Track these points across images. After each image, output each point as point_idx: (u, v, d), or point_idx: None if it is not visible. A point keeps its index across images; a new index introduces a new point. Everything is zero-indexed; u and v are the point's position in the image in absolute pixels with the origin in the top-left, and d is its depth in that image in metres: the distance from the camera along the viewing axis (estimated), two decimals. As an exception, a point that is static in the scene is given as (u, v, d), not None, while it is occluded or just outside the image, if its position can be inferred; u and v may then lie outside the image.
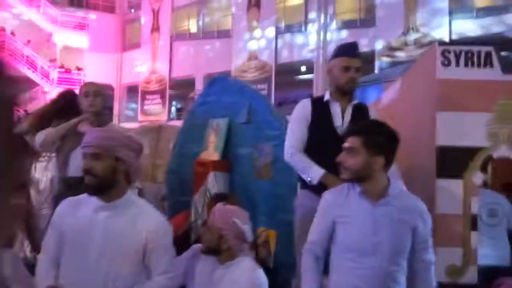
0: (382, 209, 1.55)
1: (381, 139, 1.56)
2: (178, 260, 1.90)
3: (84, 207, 1.58)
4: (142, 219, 1.57)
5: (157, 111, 16.66)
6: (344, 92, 2.17)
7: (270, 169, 3.08)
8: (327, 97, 2.21)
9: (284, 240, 2.94)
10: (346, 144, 1.60)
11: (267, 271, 2.92)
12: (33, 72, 15.62)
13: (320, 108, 2.19)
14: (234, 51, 13.66)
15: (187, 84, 15.13)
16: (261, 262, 2.87)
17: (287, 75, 12.86)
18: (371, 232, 1.54)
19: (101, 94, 2.68)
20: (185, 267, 1.87)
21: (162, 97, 16.69)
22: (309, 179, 2.12)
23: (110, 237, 1.53)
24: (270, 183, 3.06)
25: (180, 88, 15.98)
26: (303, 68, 13.35)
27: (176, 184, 4.03)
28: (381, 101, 3.62)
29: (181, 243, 1.98)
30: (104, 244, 1.52)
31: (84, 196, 1.60)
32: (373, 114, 2.26)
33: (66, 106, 2.75)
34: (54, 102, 3.03)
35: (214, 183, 3.29)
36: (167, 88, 16.62)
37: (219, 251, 1.79)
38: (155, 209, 1.74)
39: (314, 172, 2.10)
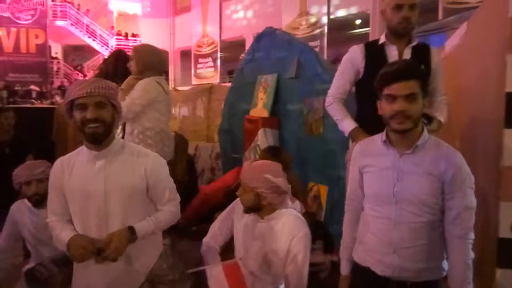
0: (408, 158, 1.43)
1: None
2: (223, 215, 1.95)
3: (77, 163, 1.63)
4: (137, 159, 1.63)
5: (210, 74, 16.86)
6: (399, 34, 2.00)
7: (321, 125, 3.01)
8: (382, 39, 2.06)
9: (335, 196, 2.91)
10: (404, 90, 1.41)
11: (319, 225, 2.94)
12: (93, 40, 16.40)
13: (374, 52, 2.05)
14: (284, 8, 13.18)
15: (238, 45, 15.01)
16: (312, 216, 2.88)
17: (340, 30, 12.22)
18: (394, 181, 1.44)
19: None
20: (229, 221, 1.91)
21: (214, 60, 16.79)
22: (340, 129, 2.08)
23: (112, 182, 1.58)
24: (321, 139, 3.00)
25: (231, 50, 15.92)
26: (358, 22, 12.58)
27: (228, 142, 4.12)
28: (444, 49, 3.32)
29: (234, 196, 2.01)
30: (108, 191, 1.57)
31: (71, 154, 1.68)
32: (437, 59, 2.07)
33: (119, 65, 2.86)
34: (107, 62, 3.15)
35: (263, 139, 3.30)
36: (218, 50, 16.64)
37: (260, 208, 1.81)
38: (144, 148, 1.80)
39: (345, 125, 2.05)
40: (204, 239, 1.92)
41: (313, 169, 3.05)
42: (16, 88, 13.11)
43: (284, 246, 1.77)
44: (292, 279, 1.76)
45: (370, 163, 1.52)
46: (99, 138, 1.56)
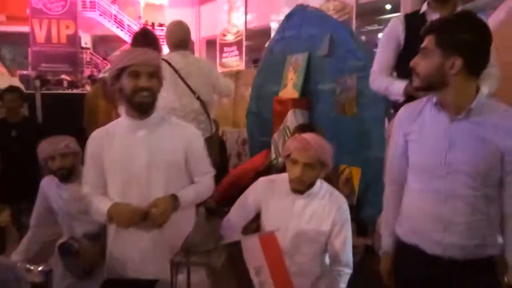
0: (461, 124, 1.29)
1: (459, 35, 1.24)
2: (245, 197, 1.88)
3: (117, 133, 1.62)
4: (177, 131, 1.66)
5: (235, 63, 16.78)
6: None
7: (354, 104, 2.89)
8: (424, 8, 1.93)
9: (369, 178, 2.80)
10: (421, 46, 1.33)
11: (351, 208, 2.85)
12: (121, 30, 16.64)
13: (415, 22, 1.91)
14: (311, -7, 12.89)
15: (263, 34, 14.85)
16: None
17: (369, 16, 11.84)
18: (444, 150, 1.30)
19: None
20: (255, 200, 1.84)
21: (239, 48, 16.70)
22: (393, 97, 1.94)
23: (154, 152, 1.58)
24: (354, 119, 2.88)
25: (256, 38, 15.78)
26: (388, 7, 12.15)
27: (256, 125, 4.05)
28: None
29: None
30: (150, 160, 1.58)
31: (109, 125, 1.67)
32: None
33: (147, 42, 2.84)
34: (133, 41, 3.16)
35: (293, 121, 3.21)
36: (244, 39, 16.53)
37: (313, 184, 1.75)
38: (181, 120, 1.81)
39: (397, 86, 1.92)
40: (224, 220, 1.87)
41: (345, 151, 2.93)
42: (48, 78, 13.54)
43: (328, 220, 1.71)
44: (341, 252, 1.71)
45: (417, 129, 1.38)
46: (147, 108, 1.57)
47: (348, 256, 1.76)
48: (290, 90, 3.40)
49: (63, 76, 14.94)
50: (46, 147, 2.14)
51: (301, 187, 1.71)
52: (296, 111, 3.21)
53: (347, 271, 1.76)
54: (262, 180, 1.88)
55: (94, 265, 2.00)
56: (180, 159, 1.63)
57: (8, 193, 3.10)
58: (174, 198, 1.56)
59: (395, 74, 2.11)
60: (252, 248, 1.31)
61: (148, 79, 1.52)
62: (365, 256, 2.54)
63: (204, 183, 1.71)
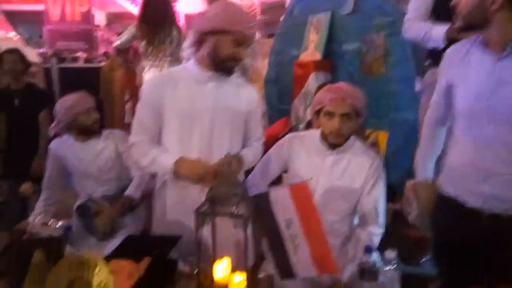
0: (506, 62, 1.17)
1: None
2: (273, 151, 1.78)
3: (183, 80, 1.52)
4: (242, 89, 1.62)
5: (250, 39, 16.52)
6: None
7: (382, 63, 2.72)
8: None
9: (397, 141, 2.65)
10: None
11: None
12: (135, 6, 16.46)
13: None
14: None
15: (279, 7, 14.44)
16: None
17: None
18: (489, 92, 1.19)
19: None
20: (282, 156, 1.74)
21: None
22: (433, 44, 1.78)
23: (219, 107, 1.52)
24: (382, 79, 2.71)
25: (271, 12, 15.40)
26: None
27: (275, 93, 3.91)
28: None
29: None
30: (214, 116, 1.51)
31: (172, 70, 1.59)
32: None
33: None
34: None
35: (315, 84, 3.05)
36: (259, 13, 16.14)
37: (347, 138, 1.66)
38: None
39: (437, 32, 1.77)
40: (249, 177, 1.77)
41: (372, 114, 2.76)
42: (64, 56, 13.58)
43: (360, 177, 1.60)
44: (372, 211, 1.62)
45: (462, 72, 1.26)
46: (232, 67, 1.52)
47: (379, 215, 1.65)
48: (311, 52, 3.23)
49: (78, 54, 15.00)
50: (81, 101, 2.04)
51: (339, 140, 1.61)
52: (318, 74, 3.06)
53: (378, 232, 1.65)
54: (289, 136, 1.78)
55: (114, 227, 1.95)
56: (242, 119, 1.59)
57: (12, 168, 2.97)
58: (240, 158, 1.53)
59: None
60: (281, 200, 1.20)
61: (245, 49, 1.47)
62: (394, 221, 2.43)
63: (258, 149, 1.67)
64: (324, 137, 1.64)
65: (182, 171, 1.46)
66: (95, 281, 1.07)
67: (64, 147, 2.11)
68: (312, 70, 3.08)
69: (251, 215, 1.17)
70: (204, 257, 1.37)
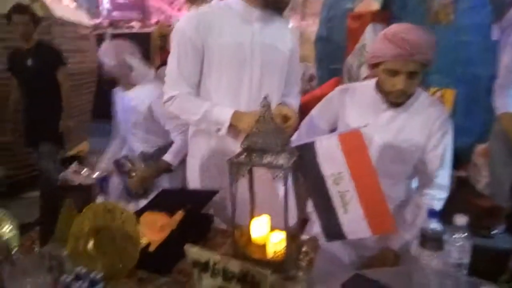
0: None
1: None
2: (320, 106, 1.59)
3: (225, 20, 1.34)
4: (285, 29, 1.47)
5: None
6: None
7: (451, 10, 2.36)
8: None
9: (466, 101, 2.34)
10: None
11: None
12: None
13: None
14: None
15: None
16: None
17: None
18: None
19: None
20: (331, 112, 1.53)
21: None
22: None
23: (268, 48, 1.37)
24: (450, 28, 2.37)
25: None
26: None
27: (326, 51, 3.63)
28: None
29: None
30: (265, 58, 1.37)
31: (214, 7, 1.37)
32: None
33: None
34: None
35: (372, 37, 2.75)
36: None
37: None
38: None
39: None
40: (295, 136, 1.59)
41: (437, 70, 2.45)
42: (120, 26, 13.97)
43: (422, 133, 1.38)
44: (435, 171, 1.41)
45: None
46: (286, 5, 1.38)
47: (444, 176, 1.43)
48: (367, 2, 2.91)
49: (133, 23, 15.33)
50: (127, 44, 1.98)
51: (403, 100, 1.38)
52: (376, 26, 2.75)
53: (442, 195, 1.43)
54: (340, 88, 1.56)
55: (147, 188, 1.90)
56: (287, 63, 1.44)
57: (27, 135, 2.95)
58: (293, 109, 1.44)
59: None
60: (330, 151, 1.03)
61: None
62: (458, 188, 2.16)
63: (297, 98, 1.57)
64: (381, 89, 1.41)
65: (242, 125, 1.29)
66: (121, 230, 0.99)
67: (117, 93, 2.08)
68: (369, 21, 2.78)
69: (293, 167, 1.01)
70: (241, 213, 1.25)
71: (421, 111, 1.41)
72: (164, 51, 3.90)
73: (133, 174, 1.89)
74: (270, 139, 1.03)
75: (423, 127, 1.39)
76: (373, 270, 1.19)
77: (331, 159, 1.03)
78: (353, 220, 1.05)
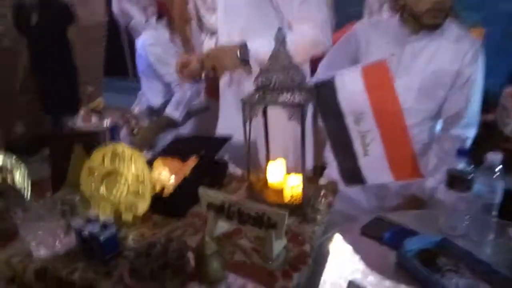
0: None
1: None
2: (341, 41, 1.47)
3: None
4: None
5: None
6: None
7: None
8: None
9: (494, 41, 2.16)
10: None
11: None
12: None
13: None
14: None
15: None
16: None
17: None
18: None
19: None
20: (353, 46, 1.42)
21: None
22: None
23: None
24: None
25: None
26: None
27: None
28: None
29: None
30: None
31: None
32: None
33: None
34: None
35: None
36: None
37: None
38: None
39: None
40: (319, 69, 1.49)
41: (466, 6, 2.25)
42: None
43: (451, 69, 1.27)
44: (463, 110, 1.32)
45: None
46: None
47: (472, 115, 1.33)
48: None
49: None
50: None
51: (438, 20, 1.26)
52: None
53: (469, 134, 1.35)
54: (360, 22, 1.45)
55: (153, 144, 1.87)
56: None
57: (48, 98, 2.74)
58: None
59: None
60: (351, 86, 0.94)
61: None
62: (485, 133, 2.06)
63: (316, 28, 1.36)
64: (410, 14, 1.28)
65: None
66: (131, 173, 0.95)
67: None
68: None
69: (311, 106, 0.94)
70: (256, 157, 1.20)
71: (451, 42, 1.29)
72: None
73: (135, 131, 1.85)
74: (286, 76, 0.95)
75: (453, 60, 1.28)
76: (395, 213, 1.15)
77: (352, 95, 0.95)
78: (374, 163, 0.98)
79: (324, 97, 0.98)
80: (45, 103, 2.80)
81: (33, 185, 1.20)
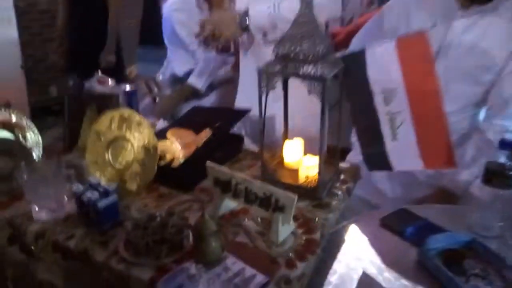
0: None
1: None
2: (375, 19, 1.33)
3: None
4: None
5: None
6: None
7: None
8: None
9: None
10: None
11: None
12: None
13: None
14: None
15: None
16: None
17: None
18: None
19: None
20: (388, 24, 1.28)
21: None
22: None
23: None
24: None
25: None
26: None
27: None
28: None
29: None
30: None
31: None
32: None
33: None
34: None
35: None
36: None
37: None
38: None
39: None
40: (350, 46, 1.36)
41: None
42: None
43: (502, 50, 1.12)
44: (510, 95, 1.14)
45: None
46: None
47: None
48: None
49: None
50: None
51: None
52: None
53: None
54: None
55: (173, 113, 1.82)
56: None
57: (78, 59, 2.67)
58: None
59: None
60: (383, 60, 0.83)
61: None
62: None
63: None
64: None
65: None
66: (137, 141, 0.91)
67: None
68: None
69: (335, 80, 0.84)
70: (273, 134, 1.13)
71: (505, 21, 1.13)
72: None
73: (157, 99, 1.81)
74: (309, 45, 0.86)
75: (506, 41, 1.12)
76: (421, 206, 1.04)
77: (383, 70, 0.83)
78: (403, 148, 0.88)
79: (352, 71, 0.88)
80: (71, 65, 2.79)
81: (48, 147, 1.19)
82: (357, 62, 0.87)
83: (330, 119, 0.89)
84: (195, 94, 1.83)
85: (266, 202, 0.79)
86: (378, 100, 0.87)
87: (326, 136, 0.87)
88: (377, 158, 0.92)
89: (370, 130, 0.89)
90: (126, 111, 0.93)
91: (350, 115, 0.93)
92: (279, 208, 0.77)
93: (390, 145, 0.89)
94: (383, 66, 0.83)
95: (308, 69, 0.85)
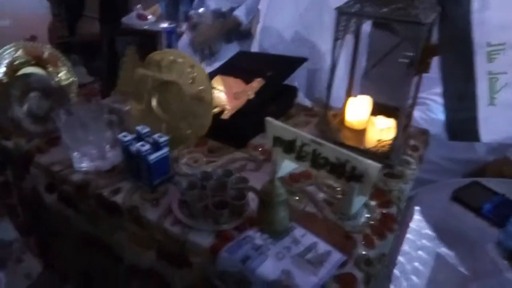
0: None
1: None
2: None
3: None
4: None
5: None
6: None
7: None
8: None
9: None
10: None
11: None
12: None
13: None
14: None
15: None
16: None
17: None
18: None
19: None
20: None
21: None
22: None
23: None
24: None
25: None
26: None
27: None
28: None
29: None
30: None
31: None
32: None
33: None
34: None
35: None
36: None
37: None
38: None
39: None
40: None
41: None
42: None
43: None
44: None
45: None
46: None
47: None
48: None
49: None
50: None
51: None
52: None
53: None
54: None
55: (214, 49, 1.68)
56: None
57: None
58: None
59: None
60: (495, 3, 0.68)
61: None
62: None
63: None
64: None
65: None
66: (191, 88, 0.79)
67: None
68: None
69: (429, 27, 0.69)
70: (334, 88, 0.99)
71: None
72: None
73: (199, 28, 1.65)
74: None
75: None
76: (496, 180, 0.93)
77: (493, 17, 0.68)
78: (501, 116, 0.75)
79: (450, 16, 0.73)
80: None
81: (83, 88, 1.09)
82: (459, 4, 0.71)
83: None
84: (238, 26, 1.66)
85: (339, 170, 0.68)
86: (479, 55, 0.72)
87: (414, 92, 0.74)
88: (464, 126, 0.79)
89: (462, 92, 0.76)
90: (178, 54, 0.80)
91: (439, 70, 0.79)
92: (355, 177, 0.66)
93: (484, 111, 0.76)
94: (495, 12, 0.67)
95: (394, 11, 0.70)
